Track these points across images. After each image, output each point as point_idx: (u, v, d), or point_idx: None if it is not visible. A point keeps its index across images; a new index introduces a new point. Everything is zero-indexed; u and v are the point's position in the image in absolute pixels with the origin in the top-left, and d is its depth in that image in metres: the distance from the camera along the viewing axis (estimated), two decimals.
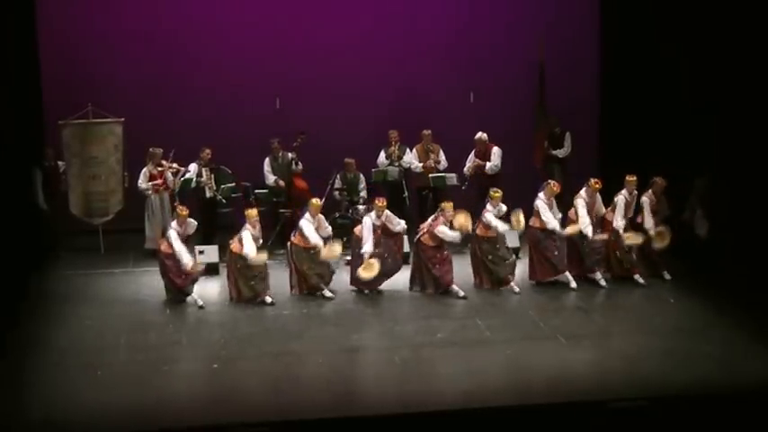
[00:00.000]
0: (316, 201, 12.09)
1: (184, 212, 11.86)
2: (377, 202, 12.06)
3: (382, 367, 9.94)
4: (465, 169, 14.07)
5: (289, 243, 12.11)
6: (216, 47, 14.83)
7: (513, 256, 12.26)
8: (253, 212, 11.89)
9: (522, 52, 15.00)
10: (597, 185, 12.16)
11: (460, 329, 10.79)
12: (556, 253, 12.04)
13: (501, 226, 11.97)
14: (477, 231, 12.11)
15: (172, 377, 9.66)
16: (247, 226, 11.75)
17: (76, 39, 14.51)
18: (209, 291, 12.06)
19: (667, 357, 9.88)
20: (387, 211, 12.05)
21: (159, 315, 11.40)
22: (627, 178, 12.24)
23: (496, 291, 12.00)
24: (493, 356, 10.05)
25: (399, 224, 12.13)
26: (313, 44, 14.99)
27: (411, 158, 14.34)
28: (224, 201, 13.55)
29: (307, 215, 11.98)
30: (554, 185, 12.16)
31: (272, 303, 11.61)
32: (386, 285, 12.03)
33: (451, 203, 12.02)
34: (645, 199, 12.19)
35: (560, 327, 10.77)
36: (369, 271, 11.72)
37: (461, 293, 11.79)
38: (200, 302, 11.58)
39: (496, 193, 12.10)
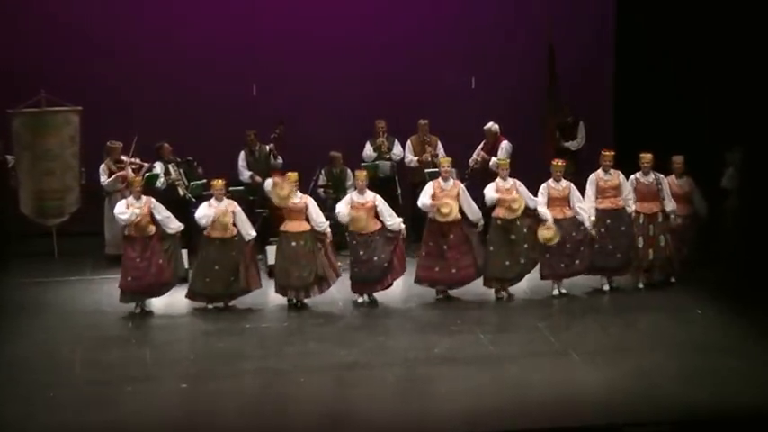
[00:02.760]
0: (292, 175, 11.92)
1: (138, 181, 11.74)
2: (356, 173, 12.10)
3: (373, 387, 9.91)
4: (471, 161, 14.11)
5: (280, 232, 12.05)
6: (184, 26, 14.84)
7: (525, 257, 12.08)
8: (218, 183, 11.87)
9: (529, 33, 15.04)
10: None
11: (461, 344, 10.80)
12: (566, 253, 12.07)
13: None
14: (496, 212, 12.10)
15: (135, 399, 9.61)
16: (212, 201, 11.78)
17: (28, 19, 14.50)
18: (177, 300, 12.03)
19: (691, 375, 9.90)
20: (380, 200, 11.97)
21: (121, 328, 11.39)
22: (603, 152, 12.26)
23: (501, 300, 12.04)
24: (497, 374, 10.06)
25: (393, 219, 11.98)
26: (293, 23, 14.99)
27: (401, 151, 14.38)
28: (194, 200, 13.51)
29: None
30: (556, 162, 12.23)
31: (226, 306, 11.68)
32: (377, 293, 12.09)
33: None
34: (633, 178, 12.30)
35: (572, 341, 10.80)
36: None
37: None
38: (149, 308, 11.58)
39: (503, 161, 12.19)
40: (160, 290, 11.76)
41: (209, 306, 11.81)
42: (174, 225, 11.89)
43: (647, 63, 14.62)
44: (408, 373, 10.11)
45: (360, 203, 11.94)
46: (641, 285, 12.32)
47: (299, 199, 11.88)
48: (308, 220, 11.89)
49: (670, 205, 12.23)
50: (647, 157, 12.26)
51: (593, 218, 12.05)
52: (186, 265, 12.59)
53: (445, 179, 12.11)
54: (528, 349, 10.65)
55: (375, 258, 11.90)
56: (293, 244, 11.83)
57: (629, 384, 9.78)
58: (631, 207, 12.17)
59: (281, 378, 10.04)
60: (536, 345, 10.77)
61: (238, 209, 11.93)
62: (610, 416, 9.18)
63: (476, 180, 13.88)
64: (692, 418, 9.11)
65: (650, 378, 9.85)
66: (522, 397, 9.57)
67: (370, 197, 11.99)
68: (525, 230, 12.02)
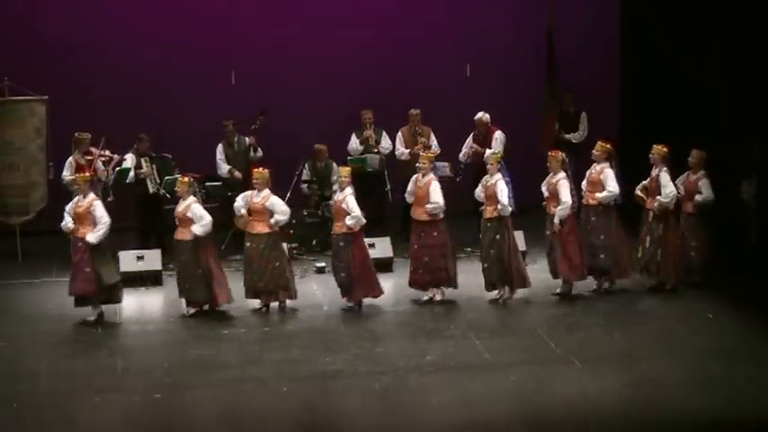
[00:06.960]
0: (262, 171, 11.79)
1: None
2: (340, 169, 12.02)
3: (359, 397, 9.91)
4: (461, 155, 14.08)
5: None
6: (158, 10, 14.78)
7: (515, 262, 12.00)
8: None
9: (527, 17, 15.02)
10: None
11: (454, 351, 10.77)
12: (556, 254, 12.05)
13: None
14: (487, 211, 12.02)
15: (104, 411, 9.57)
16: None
17: None
18: (148, 305, 12.04)
19: (704, 384, 9.88)
20: (350, 197, 11.61)
21: (89, 334, 11.34)
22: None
23: (498, 303, 12.00)
24: (493, 383, 10.03)
25: (353, 215, 11.56)
26: (275, 7, 14.94)
27: (390, 144, 14.35)
28: (167, 195, 13.48)
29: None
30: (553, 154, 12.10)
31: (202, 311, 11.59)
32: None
33: None
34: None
35: (575, 347, 10.77)
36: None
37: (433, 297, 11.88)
38: (93, 317, 11.48)
39: (495, 155, 12.10)
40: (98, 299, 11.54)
41: (188, 312, 11.71)
42: (97, 234, 11.42)
43: (658, 46, 14.57)
44: (397, 383, 10.05)
45: (337, 200, 11.83)
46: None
47: (261, 198, 11.75)
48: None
49: (656, 202, 12.10)
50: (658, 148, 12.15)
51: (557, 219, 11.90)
52: (159, 266, 12.54)
53: (424, 174, 11.99)
54: (526, 356, 10.62)
55: (336, 264, 11.83)
56: (248, 244, 11.79)
57: (636, 394, 9.77)
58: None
59: (262, 388, 10.00)
60: (535, 351, 10.74)
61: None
62: (615, 428, 9.18)
63: (470, 175, 13.84)
64: (704, 430, 9.09)
65: (659, 387, 9.82)
66: (520, 408, 9.57)
67: (346, 194, 11.69)
68: (497, 237, 11.85)
